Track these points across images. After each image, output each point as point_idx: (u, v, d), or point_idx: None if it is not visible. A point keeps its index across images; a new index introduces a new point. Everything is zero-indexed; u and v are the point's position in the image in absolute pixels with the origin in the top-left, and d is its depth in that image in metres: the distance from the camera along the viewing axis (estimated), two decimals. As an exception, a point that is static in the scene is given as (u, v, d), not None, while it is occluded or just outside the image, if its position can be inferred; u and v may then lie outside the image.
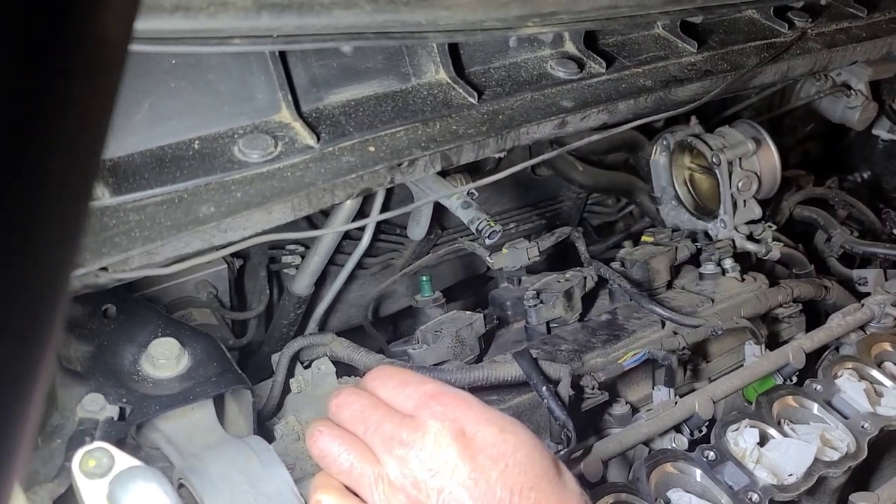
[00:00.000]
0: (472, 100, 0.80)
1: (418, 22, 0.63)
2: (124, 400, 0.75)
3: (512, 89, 0.83)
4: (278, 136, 0.71)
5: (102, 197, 0.63)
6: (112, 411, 0.73)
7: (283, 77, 0.72)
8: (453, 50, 0.81)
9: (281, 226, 0.73)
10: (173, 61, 0.68)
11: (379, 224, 1.29)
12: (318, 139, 0.71)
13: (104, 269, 0.63)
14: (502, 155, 1.03)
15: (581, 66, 0.88)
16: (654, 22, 0.89)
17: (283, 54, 0.72)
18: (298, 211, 0.70)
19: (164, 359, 0.79)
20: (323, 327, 1.35)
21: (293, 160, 0.70)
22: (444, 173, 1.11)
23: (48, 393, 0.73)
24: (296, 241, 1.29)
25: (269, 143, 0.69)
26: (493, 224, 1.07)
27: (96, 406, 0.72)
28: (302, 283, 1.28)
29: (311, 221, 1.18)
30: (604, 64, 0.88)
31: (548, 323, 1.17)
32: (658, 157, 1.38)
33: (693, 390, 1.09)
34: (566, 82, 0.86)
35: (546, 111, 0.81)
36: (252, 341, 1.29)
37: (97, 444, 0.59)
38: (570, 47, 0.89)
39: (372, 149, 0.72)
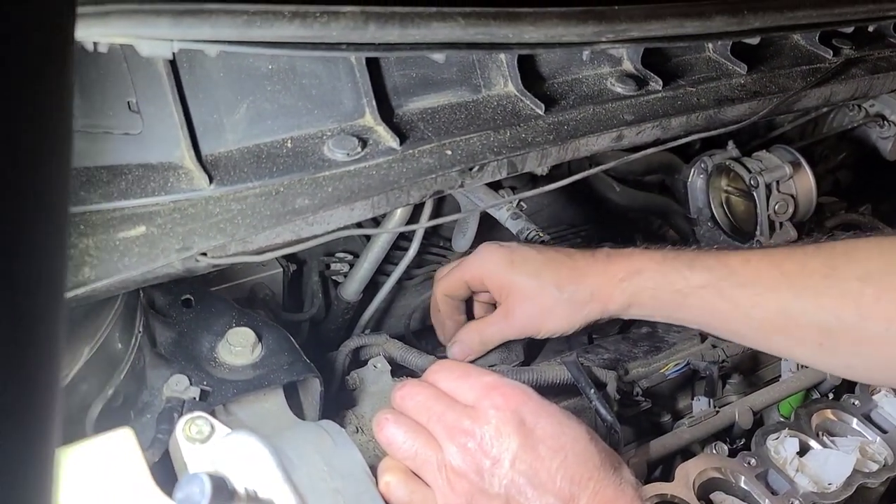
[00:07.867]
0: (539, 111, 0.86)
1: (506, 34, 0.69)
2: (204, 383, 0.80)
3: (575, 102, 0.89)
4: (364, 138, 0.77)
5: (206, 188, 0.69)
6: (194, 392, 0.78)
7: (367, 84, 0.78)
8: (521, 65, 0.87)
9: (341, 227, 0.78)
10: (270, 66, 0.74)
11: (425, 236, 1.34)
12: (401, 142, 0.77)
13: (204, 254, 0.68)
14: (545, 172, 1.08)
15: (639, 83, 0.94)
16: (715, 42, 0.95)
17: (370, 64, 0.78)
18: (377, 209, 0.76)
19: (241, 346, 0.84)
20: (370, 334, 1.39)
21: (378, 160, 0.75)
22: (493, 187, 1.17)
23: (140, 371, 0.77)
24: (346, 250, 1.34)
25: (355, 144, 0.75)
26: (541, 234, 1.12)
27: (181, 386, 0.77)
28: (350, 290, 1.32)
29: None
30: (660, 82, 0.94)
31: (590, 334, 1.21)
32: (695, 180, 1.42)
33: (730, 404, 1.12)
34: (626, 98, 0.91)
35: (608, 123, 0.86)
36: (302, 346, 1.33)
37: (198, 412, 0.64)
38: (627, 66, 0.95)
39: (449, 152, 0.77)
